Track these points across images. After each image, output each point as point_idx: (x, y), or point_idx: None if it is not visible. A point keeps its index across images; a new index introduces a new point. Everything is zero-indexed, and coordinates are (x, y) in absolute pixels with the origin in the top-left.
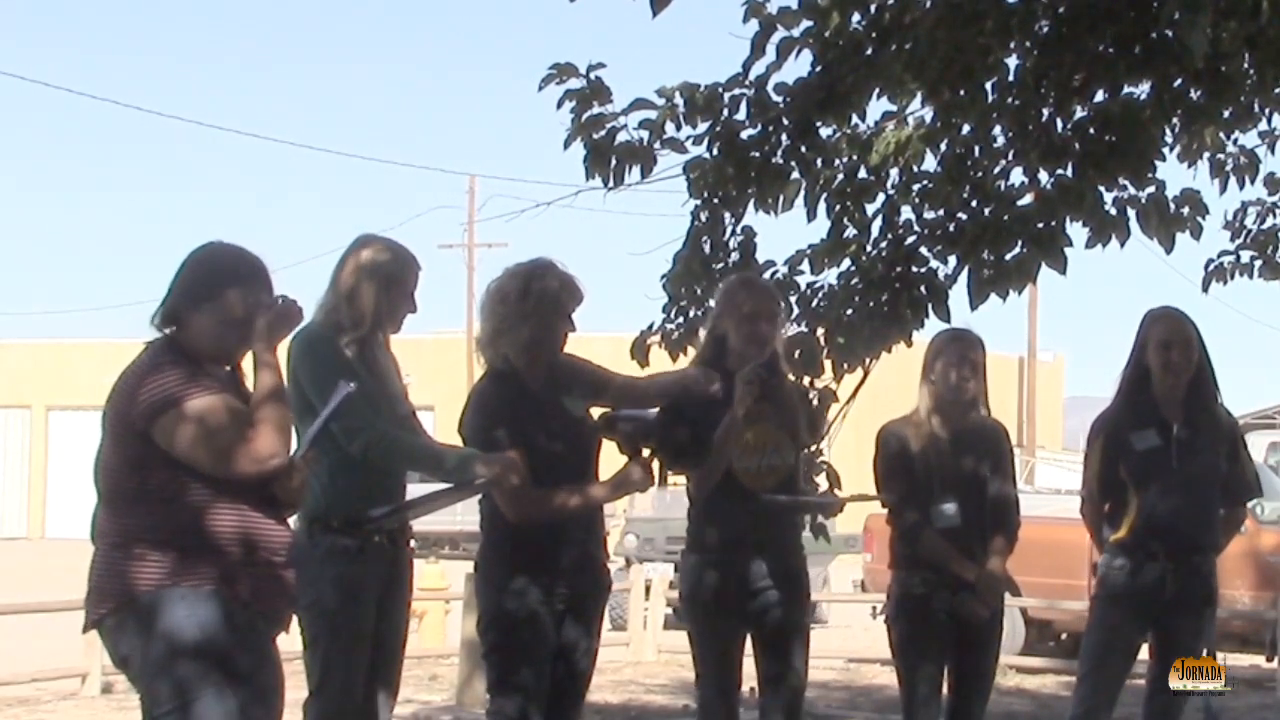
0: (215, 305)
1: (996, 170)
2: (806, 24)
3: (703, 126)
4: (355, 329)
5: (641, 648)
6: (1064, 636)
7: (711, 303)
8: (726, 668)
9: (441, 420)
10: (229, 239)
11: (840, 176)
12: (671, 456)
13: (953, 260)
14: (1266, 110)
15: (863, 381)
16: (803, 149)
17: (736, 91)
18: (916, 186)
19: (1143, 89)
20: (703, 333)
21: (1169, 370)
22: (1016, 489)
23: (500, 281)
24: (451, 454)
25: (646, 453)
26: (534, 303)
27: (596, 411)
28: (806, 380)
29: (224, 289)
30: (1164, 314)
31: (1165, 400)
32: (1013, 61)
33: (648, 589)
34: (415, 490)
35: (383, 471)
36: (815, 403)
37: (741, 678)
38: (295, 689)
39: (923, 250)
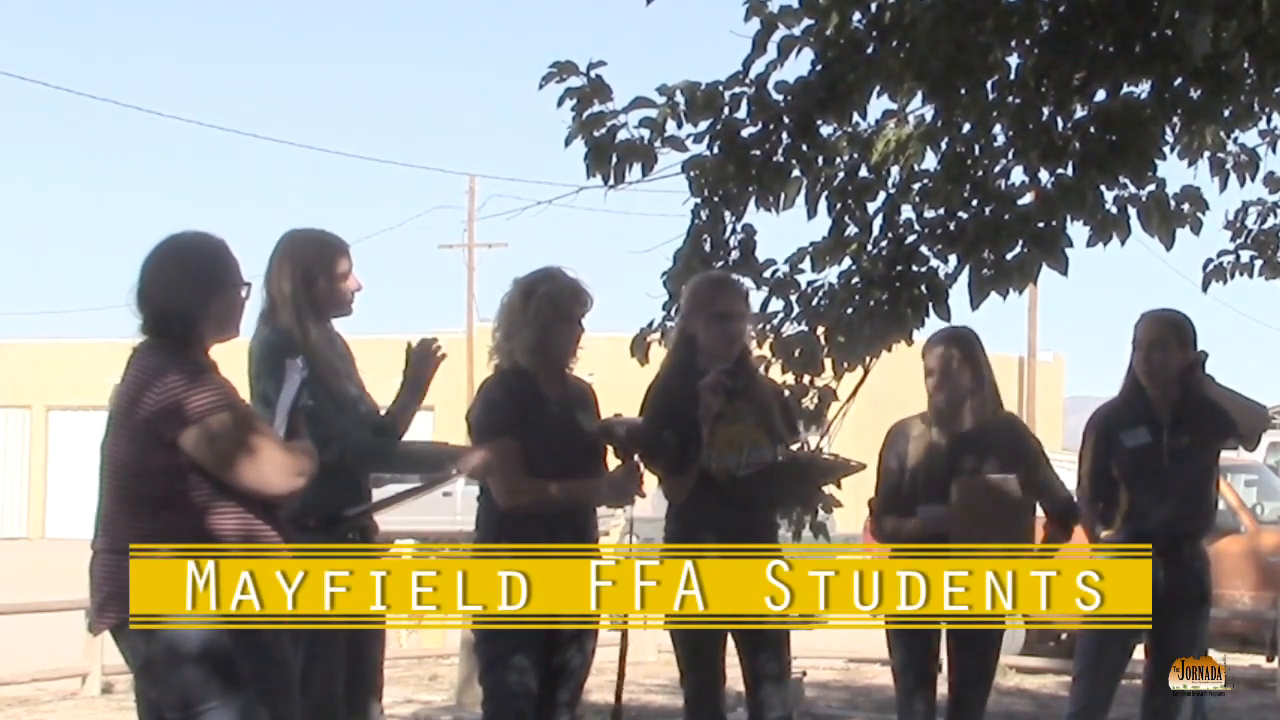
0: (223, 296)
1: (997, 169)
2: (807, 22)
3: (703, 125)
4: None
5: (641, 648)
6: (1064, 636)
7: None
8: (708, 666)
9: (441, 420)
10: (217, 235)
11: (841, 175)
12: (657, 460)
13: (953, 259)
14: (1266, 109)
15: (863, 380)
16: (803, 147)
17: (737, 90)
18: (917, 185)
19: (1143, 88)
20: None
21: (1147, 371)
22: (1050, 473)
23: (508, 291)
24: (426, 453)
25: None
26: (536, 306)
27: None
28: (807, 379)
29: (223, 278)
30: (1146, 316)
31: (1159, 399)
32: (1013, 60)
33: None
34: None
35: (352, 471)
36: (816, 401)
37: (725, 676)
38: None
39: (923, 249)
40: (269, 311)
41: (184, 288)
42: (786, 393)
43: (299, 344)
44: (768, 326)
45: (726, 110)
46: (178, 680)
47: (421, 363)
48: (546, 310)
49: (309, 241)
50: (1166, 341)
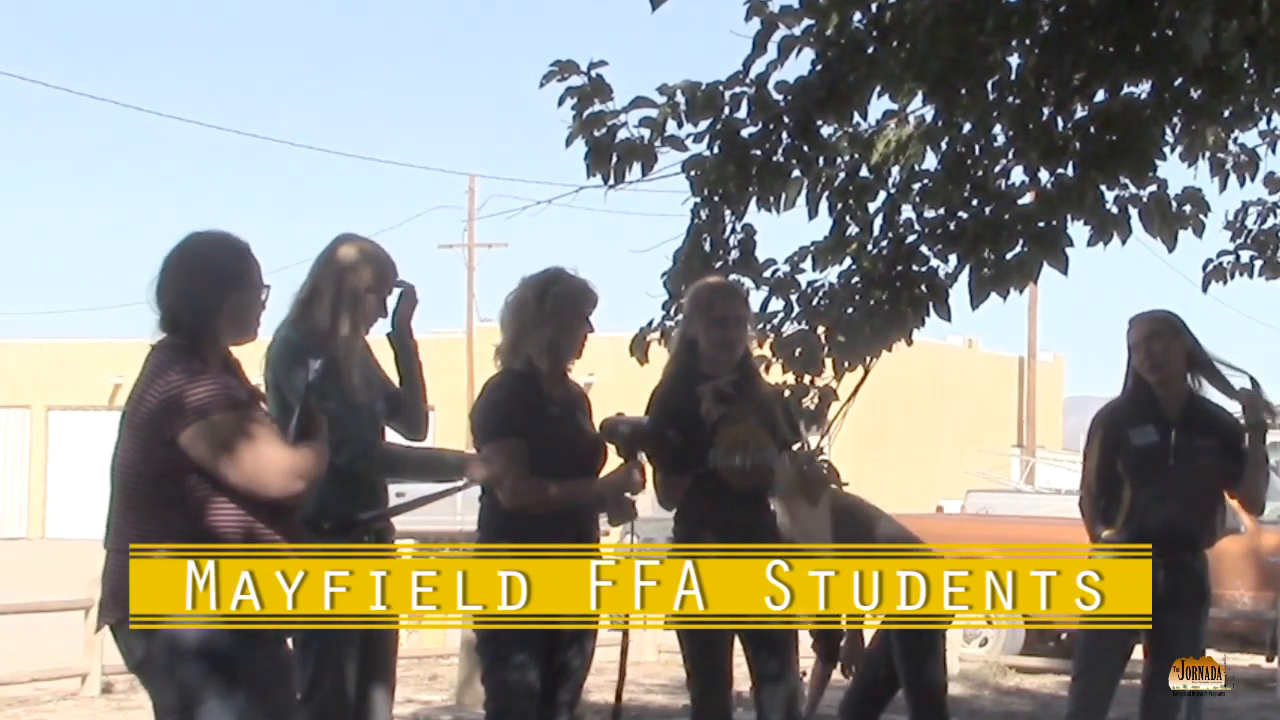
0: (239, 296)
1: (997, 169)
2: (808, 22)
3: (704, 124)
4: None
5: (641, 648)
6: (1064, 636)
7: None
8: (715, 667)
9: (441, 420)
10: (240, 237)
11: (841, 175)
12: (660, 458)
13: (953, 259)
14: (1266, 109)
15: (863, 380)
16: (804, 147)
17: (737, 90)
18: (917, 185)
19: (1143, 88)
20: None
21: (1151, 366)
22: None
23: (517, 292)
24: (438, 458)
25: (643, 456)
26: (552, 305)
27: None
28: (807, 379)
29: (240, 279)
30: (1134, 319)
31: (1166, 397)
32: (1013, 60)
33: None
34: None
35: (369, 475)
36: (816, 401)
37: (732, 676)
38: None
39: (924, 249)
40: (305, 301)
41: (199, 286)
42: (787, 393)
43: (324, 342)
44: (768, 326)
45: (727, 110)
46: (176, 679)
47: (401, 304)
48: (563, 309)
49: (382, 257)
50: (1162, 332)
